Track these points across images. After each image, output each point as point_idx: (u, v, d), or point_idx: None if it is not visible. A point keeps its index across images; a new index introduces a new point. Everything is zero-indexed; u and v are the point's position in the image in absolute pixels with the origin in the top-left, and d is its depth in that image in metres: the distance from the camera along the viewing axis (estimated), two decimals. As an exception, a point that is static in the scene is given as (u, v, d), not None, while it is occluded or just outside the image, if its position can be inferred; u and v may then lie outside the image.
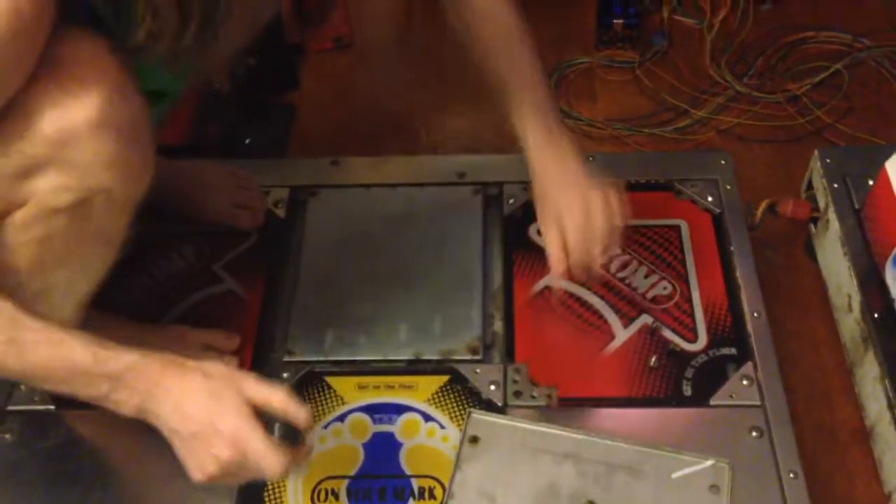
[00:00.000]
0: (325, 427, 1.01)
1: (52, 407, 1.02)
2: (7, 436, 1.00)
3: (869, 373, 1.03)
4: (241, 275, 1.14)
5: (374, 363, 1.05)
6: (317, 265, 1.15)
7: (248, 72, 1.44)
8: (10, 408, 1.03)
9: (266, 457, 0.75)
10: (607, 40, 1.60)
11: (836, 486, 1.06)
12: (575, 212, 0.96)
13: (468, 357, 1.04)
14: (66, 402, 1.02)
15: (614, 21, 1.57)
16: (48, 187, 0.75)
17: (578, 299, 1.09)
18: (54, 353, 0.74)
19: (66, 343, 0.74)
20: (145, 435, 0.98)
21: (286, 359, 1.05)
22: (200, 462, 0.77)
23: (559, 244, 0.98)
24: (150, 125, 0.79)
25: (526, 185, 1.21)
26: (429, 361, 1.05)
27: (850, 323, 1.08)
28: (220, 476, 0.76)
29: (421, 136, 1.49)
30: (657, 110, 1.52)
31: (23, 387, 1.04)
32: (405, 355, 1.05)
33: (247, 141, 1.47)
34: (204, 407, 0.75)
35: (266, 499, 0.95)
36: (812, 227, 1.21)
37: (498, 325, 1.09)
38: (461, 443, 0.96)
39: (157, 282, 1.13)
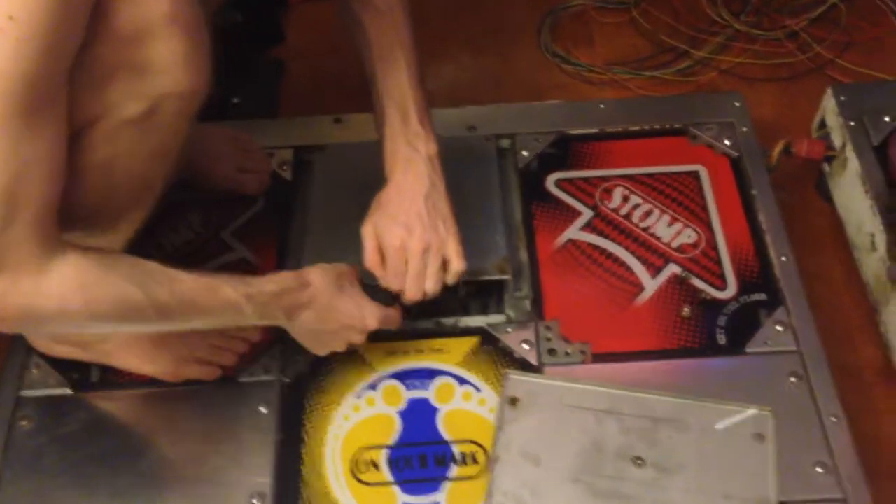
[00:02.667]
0: (358, 396, 0.98)
1: (68, 390, 0.99)
2: (24, 423, 0.96)
3: (897, 311, 1.03)
4: (251, 241, 1.11)
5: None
6: (329, 224, 1.10)
7: (233, 28, 1.37)
8: (24, 393, 0.98)
9: (374, 321, 0.92)
10: (601, -19, 1.55)
11: (864, 425, 1.05)
12: (394, 256, 0.94)
13: (497, 276, 1.02)
14: (82, 385, 0.99)
15: (609, -40, 1.53)
16: (120, 95, 0.73)
17: (603, 251, 1.07)
18: (210, 298, 0.81)
19: (218, 289, 0.81)
20: (170, 412, 0.96)
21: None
22: (330, 347, 0.94)
23: (374, 248, 0.94)
24: None
25: (539, 136, 1.18)
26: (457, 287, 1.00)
27: (873, 262, 1.08)
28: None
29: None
30: (656, 52, 1.49)
31: (35, 370, 1.00)
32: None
33: (235, 100, 1.41)
34: (338, 314, 0.91)
35: (304, 473, 0.93)
36: (826, 166, 1.20)
37: (523, 256, 1.07)
38: (500, 405, 0.95)
39: (166, 253, 1.08)
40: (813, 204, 1.26)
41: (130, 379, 0.99)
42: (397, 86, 0.95)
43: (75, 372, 1.00)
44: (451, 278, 0.95)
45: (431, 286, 0.94)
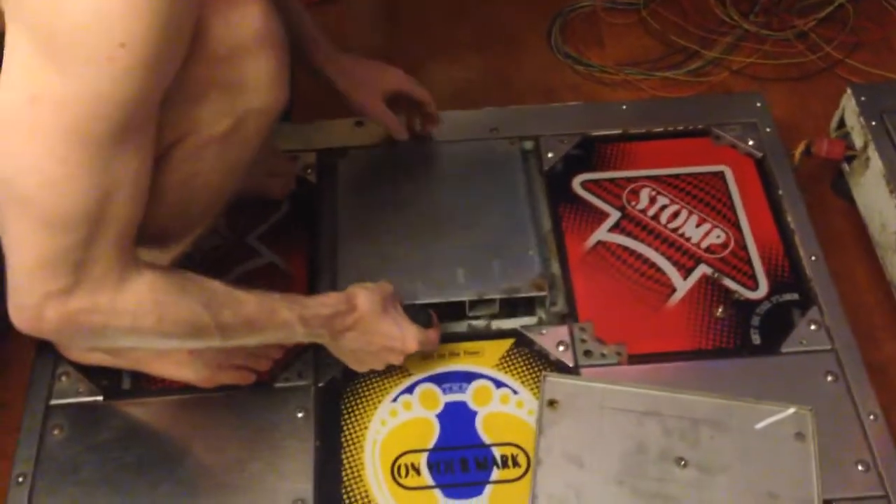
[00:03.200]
0: (394, 400, 0.97)
1: (100, 398, 0.97)
2: (56, 432, 0.95)
3: (925, 310, 1.04)
4: (279, 245, 1.10)
5: (436, 306, 1.01)
6: (358, 226, 1.10)
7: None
8: (55, 402, 0.97)
9: (414, 344, 0.94)
10: (610, -19, 1.56)
11: (892, 421, 1.07)
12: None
13: (535, 293, 1.02)
14: (114, 392, 0.97)
15: (618, -38, 1.53)
16: (209, 113, 0.74)
17: (633, 253, 1.08)
18: (269, 320, 0.83)
19: (277, 311, 0.84)
20: (205, 418, 0.95)
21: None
22: (369, 366, 0.96)
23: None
24: None
25: (563, 138, 1.18)
26: (493, 301, 1.02)
27: (899, 261, 1.09)
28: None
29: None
30: (667, 53, 1.49)
31: (63, 378, 0.98)
32: (467, 296, 1.02)
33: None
34: (381, 336, 0.93)
35: (345, 478, 0.92)
36: (846, 165, 1.21)
37: (555, 267, 1.07)
38: (540, 407, 0.94)
39: (194, 260, 1.06)
40: (830, 203, 1.27)
41: (163, 385, 0.98)
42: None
43: (105, 379, 0.98)
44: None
45: None
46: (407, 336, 0.93)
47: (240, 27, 0.71)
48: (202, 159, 0.78)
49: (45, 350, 0.99)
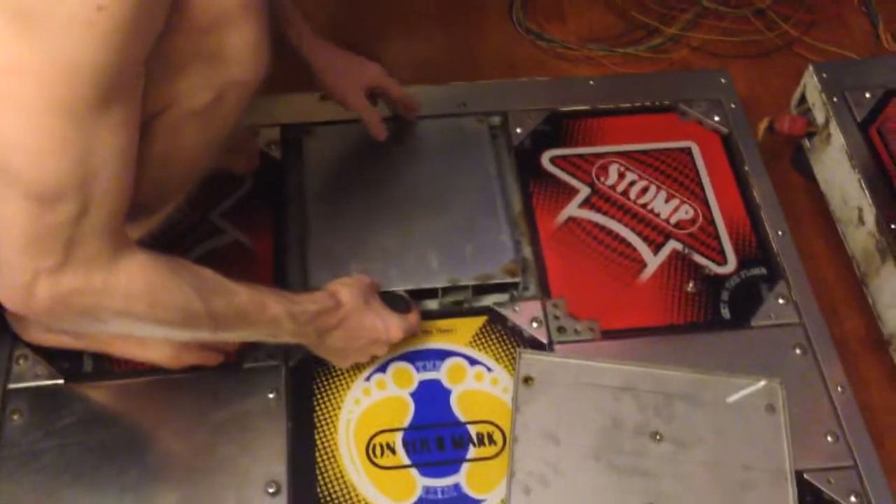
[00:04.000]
0: (367, 379, 0.96)
1: (60, 381, 0.94)
2: (15, 417, 0.91)
3: (887, 282, 1.06)
4: (243, 223, 1.07)
5: (410, 292, 1.00)
6: (325, 204, 1.08)
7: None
8: (12, 386, 0.93)
9: (398, 333, 0.93)
10: (570, -43, 1.54)
11: (856, 393, 1.09)
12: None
13: (508, 280, 1.01)
14: (75, 375, 0.94)
15: (578, -64, 1.52)
16: (190, 85, 0.72)
17: (604, 228, 1.07)
18: (259, 313, 0.81)
19: (267, 305, 0.82)
20: (173, 401, 0.93)
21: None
22: (353, 360, 0.94)
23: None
24: None
25: (531, 113, 1.17)
26: (466, 288, 1.01)
27: (861, 235, 1.11)
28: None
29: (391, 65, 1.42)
30: (627, 29, 1.49)
31: (21, 361, 0.95)
32: (440, 283, 1.01)
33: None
34: (365, 330, 0.92)
35: (319, 459, 0.90)
36: (807, 142, 1.22)
37: (527, 251, 1.06)
38: (515, 384, 0.94)
39: (155, 237, 1.03)
40: (790, 179, 1.28)
41: (127, 367, 0.95)
42: None
43: (65, 361, 0.95)
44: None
45: None
46: (390, 327, 0.93)
47: None
48: (182, 132, 0.75)
49: (1, 333, 0.95)
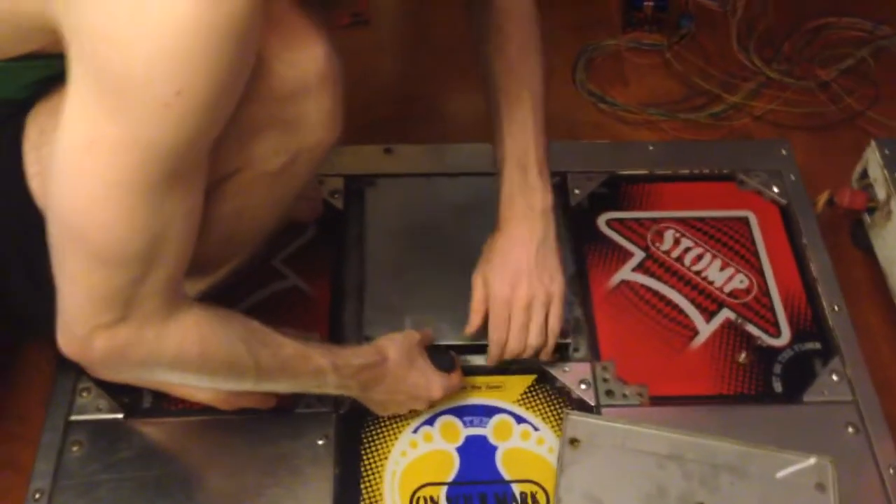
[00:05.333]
0: (415, 431, 0.97)
1: (120, 415, 0.97)
2: (75, 448, 0.94)
3: (944, 364, 1.04)
4: (303, 269, 1.10)
5: (460, 347, 1.01)
6: (383, 255, 1.10)
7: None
8: (75, 417, 0.96)
9: (439, 392, 0.95)
10: (635, 22, 1.57)
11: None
12: (500, 305, 0.95)
13: (559, 340, 1.00)
14: (134, 410, 0.97)
15: (644, 2, 1.55)
16: (265, 150, 0.75)
17: (657, 294, 1.08)
18: (303, 365, 0.84)
19: (311, 357, 0.84)
20: (225, 441, 0.95)
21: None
22: (393, 412, 0.97)
23: (482, 299, 0.96)
24: None
25: (590, 175, 1.19)
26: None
27: (919, 314, 1.09)
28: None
29: (450, 120, 1.45)
30: (689, 95, 1.50)
31: (84, 394, 0.98)
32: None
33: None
34: (407, 386, 0.94)
35: (364, 509, 0.92)
36: (867, 216, 1.22)
37: (578, 312, 1.07)
38: (561, 445, 0.94)
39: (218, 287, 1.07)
40: (849, 254, 1.27)
41: (184, 406, 0.97)
42: (521, 135, 0.95)
43: (126, 396, 0.98)
44: (551, 337, 0.96)
45: (533, 339, 0.95)
46: (432, 386, 0.94)
47: (303, 68, 0.71)
48: (253, 193, 0.78)
49: (66, 364, 0.98)
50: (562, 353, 1.02)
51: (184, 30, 0.59)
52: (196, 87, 0.62)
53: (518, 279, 0.93)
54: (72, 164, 0.65)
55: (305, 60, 0.71)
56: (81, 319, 0.71)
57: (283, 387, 0.87)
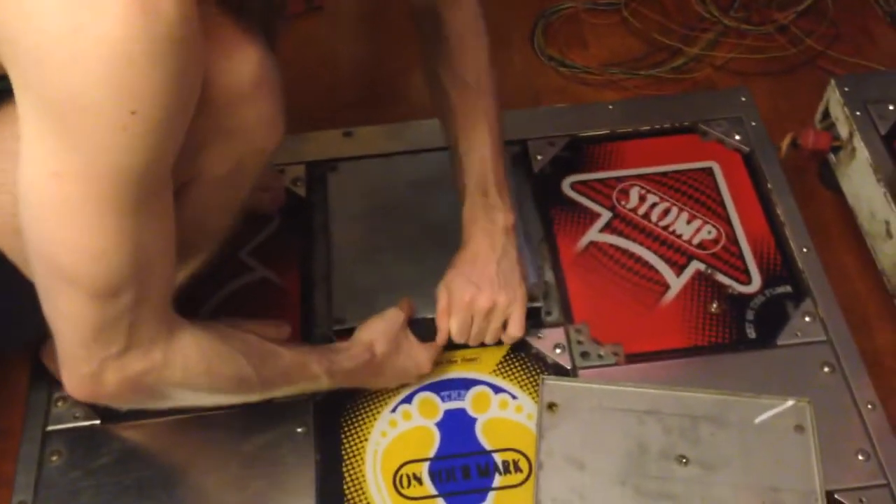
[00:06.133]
0: (393, 410, 0.97)
1: (97, 422, 0.96)
2: (54, 458, 0.94)
3: (918, 296, 1.04)
4: (271, 260, 1.09)
5: (432, 321, 1.00)
6: (350, 239, 1.10)
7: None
8: (52, 427, 0.96)
9: (427, 367, 0.98)
10: (590, -18, 1.56)
11: (889, 411, 1.07)
12: (462, 309, 0.97)
13: (531, 304, 1.00)
14: (111, 415, 0.97)
15: (595, -37, 1.54)
16: (212, 159, 0.74)
17: (626, 252, 1.08)
18: (301, 373, 0.87)
19: (307, 364, 0.87)
20: (204, 437, 0.95)
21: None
22: (383, 387, 0.99)
23: (445, 308, 0.98)
24: None
25: (551, 140, 1.18)
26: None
27: (890, 249, 1.09)
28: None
29: (412, 99, 1.45)
30: (650, 51, 1.49)
31: (60, 403, 0.98)
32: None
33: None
34: (397, 371, 0.97)
35: (347, 491, 0.92)
36: (832, 156, 1.22)
37: (549, 276, 1.07)
38: (539, 411, 0.94)
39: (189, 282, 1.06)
40: (818, 194, 1.27)
41: (161, 407, 0.97)
42: (479, 160, 0.98)
43: (102, 403, 0.97)
44: (507, 340, 1.00)
45: (490, 341, 1.00)
46: (421, 363, 0.97)
47: (237, 74, 0.70)
48: (205, 200, 0.78)
49: (40, 376, 0.99)
50: (534, 318, 1.02)
51: (125, 47, 0.58)
52: (151, 104, 0.60)
53: (480, 288, 0.96)
54: (42, 201, 0.64)
55: (239, 68, 0.70)
56: (87, 356, 0.71)
57: (283, 392, 0.89)
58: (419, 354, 0.97)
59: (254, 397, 0.86)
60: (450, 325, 0.98)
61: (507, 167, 1.00)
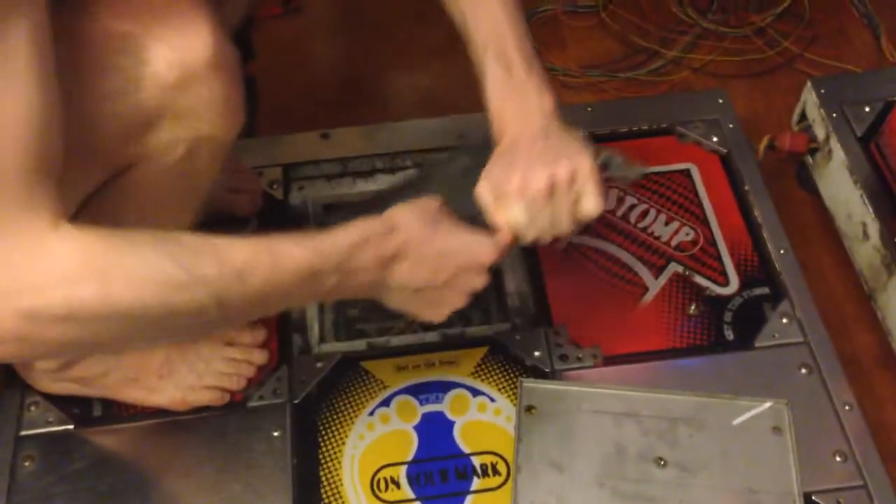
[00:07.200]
0: (371, 414, 0.96)
1: (70, 426, 0.95)
2: (27, 463, 0.93)
3: (895, 297, 1.05)
4: (247, 263, 1.08)
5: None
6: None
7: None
8: (25, 432, 0.95)
9: (491, 252, 0.75)
10: (568, -15, 1.57)
11: (867, 412, 1.07)
12: (515, 197, 0.76)
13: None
14: (85, 420, 0.96)
15: (574, -35, 1.54)
16: (161, 142, 0.71)
17: (604, 254, 1.08)
18: (273, 266, 0.65)
19: (279, 252, 0.65)
20: (180, 442, 0.94)
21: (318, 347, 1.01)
22: (447, 305, 0.76)
23: (495, 208, 0.78)
24: None
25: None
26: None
27: (866, 250, 1.10)
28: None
29: (390, 101, 1.45)
30: (628, 53, 1.50)
31: (33, 408, 0.96)
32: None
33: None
34: (444, 257, 0.72)
35: (324, 495, 0.91)
36: (809, 158, 1.22)
37: (526, 279, 1.06)
38: (518, 414, 0.94)
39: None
40: (796, 196, 1.28)
41: (135, 411, 0.96)
42: (492, 28, 0.78)
43: (76, 407, 0.96)
44: (584, 218, 0.78)
45: (566, 227, 0.77)
46: (477, 247, 0.74)
47: (189, 54, 0.68)
48: (156, 189, 0.75)
49: (13, 381, 0.97)
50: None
51: None
52: None
53: (530, 167, 0.74)
54: None
55: (191, 46, 0.68)
56: None
57: (259, 304, 0.66)
58: (474, 236, 0.74)
59: (212, 314, 0.63)
60: (507, 218, 0.77)
61: (530, 38, 0.80)
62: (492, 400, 0.97)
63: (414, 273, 0.73)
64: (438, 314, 0.78)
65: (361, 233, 0.70)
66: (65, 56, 0.61)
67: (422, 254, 0.72)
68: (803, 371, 0.97)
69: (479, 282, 0.76)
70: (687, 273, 1.05)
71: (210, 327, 0.72)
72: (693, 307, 1.02)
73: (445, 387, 0.98)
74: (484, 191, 0.78)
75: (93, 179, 0.72)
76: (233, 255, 0.63)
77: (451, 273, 0.74)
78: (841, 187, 1.15)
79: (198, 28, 0.69)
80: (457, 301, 0.77)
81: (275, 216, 1.12)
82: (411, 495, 0.91)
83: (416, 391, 0.98)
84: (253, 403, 0.96)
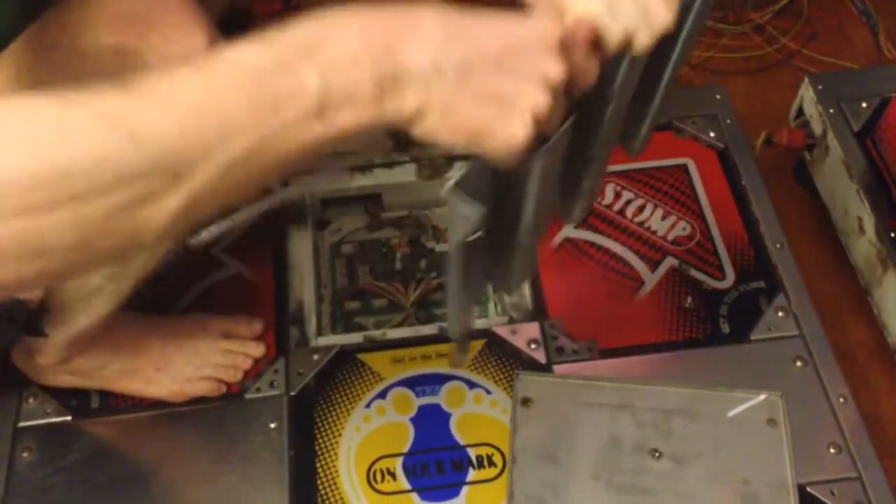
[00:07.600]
0: (367, 406, 0.97)
1: (68, 418, 0.96)
2: (25, 454, 0.93)
3: (890, 292, 1.05)
4: (245, 256, 1.09)
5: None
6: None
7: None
8: (23, 424, 0.95)
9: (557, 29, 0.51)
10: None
11: (864, 406, 1.08)
12: None
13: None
14: (83, 411, 0.96)
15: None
16: None
17: (600, 248, 1.08)
18: (226, 90, 0.47)
19: (216, 60, 0.47)
20: (177, 433, 0.95)
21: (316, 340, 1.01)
22: (522, 96, 0.50)
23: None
24: None
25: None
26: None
27: (862, 245, 1.10)
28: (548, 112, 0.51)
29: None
30: (627, 50, 1.50)
31: (31, 400, 0.97)
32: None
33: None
34: (488, 36, 0.48)
35: (320, 486, 0.91)
36: (806, 154, 1.22)
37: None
38: (513, 406, 0.94)
39: (157, 273, 1.06)
40: (793, 192, 1.28)
41: (132, 402, 0.96)
42: None
43: (73, 398, 0.97)
44: (659, 28, 0.57)
45: (666, 18, 0.56)
46: (535, 23, 0.52)
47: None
48: None
49: (11, 373, 0.98)
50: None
51: None
52: None
53: None
54: None
55: (183, 54, 0.67)
56: None
57: (223, 153, 0.47)
58: (520, 22, 0.52)
59: (163, 190, 0.46)
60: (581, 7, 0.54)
61: None
62: (488, 392, 0.97)
63: (448, 46, 0.49)
64: (510, 124, 0.50)
65: (333, 16, 0.50)
66: (66, 70, 0.62)
67: (453, 23, 0.49)
68: (798, 364, 0.97)
69: (551, 64, 0.51)
70: (683, 267, 1.05)
71: (165, 200, 0.47)
72: (689, 300, 1.02)
73: (442, 379, 0.98)
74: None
75: None
76: (176, 92, 0.47)
77: (504, 44, 0.50)
78: (837, 183, 1.15)
79: (190, 36, 0.68)
80: (532, 92, 0.51)
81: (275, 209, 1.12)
82: (407, 486, 0.91)
83: (413, 383, 0.98)
84: (250, 395, 0.97)
